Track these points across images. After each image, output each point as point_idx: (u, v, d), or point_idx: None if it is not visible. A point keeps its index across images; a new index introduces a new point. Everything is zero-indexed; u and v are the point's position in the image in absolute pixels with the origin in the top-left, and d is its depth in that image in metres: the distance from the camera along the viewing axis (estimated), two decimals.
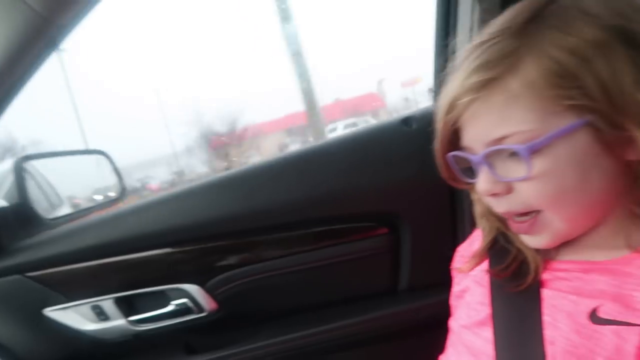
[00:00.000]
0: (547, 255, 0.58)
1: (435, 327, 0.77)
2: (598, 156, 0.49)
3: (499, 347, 0.56)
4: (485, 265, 0.64)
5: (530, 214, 0.53)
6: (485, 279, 0.63)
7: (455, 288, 0.71)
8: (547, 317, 0.53)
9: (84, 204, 1.72)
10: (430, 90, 1.19)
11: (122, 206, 1.22)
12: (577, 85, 0.47)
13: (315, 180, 1.06)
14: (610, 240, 0.53)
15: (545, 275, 0.56)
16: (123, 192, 1.41)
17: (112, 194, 1.45)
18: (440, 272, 1.01)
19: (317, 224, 1.10)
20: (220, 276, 1.08)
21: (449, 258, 1.04)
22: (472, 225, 1.00)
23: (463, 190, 1.01)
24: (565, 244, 0.57)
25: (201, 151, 20.25)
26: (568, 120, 0.48)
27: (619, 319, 0.47)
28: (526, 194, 0.51)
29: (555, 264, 0.57)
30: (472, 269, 0.66)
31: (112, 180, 1.40)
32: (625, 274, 0.50)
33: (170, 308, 1.08)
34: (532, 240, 0.56)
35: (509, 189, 0.53)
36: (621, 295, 0.49)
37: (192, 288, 1.07)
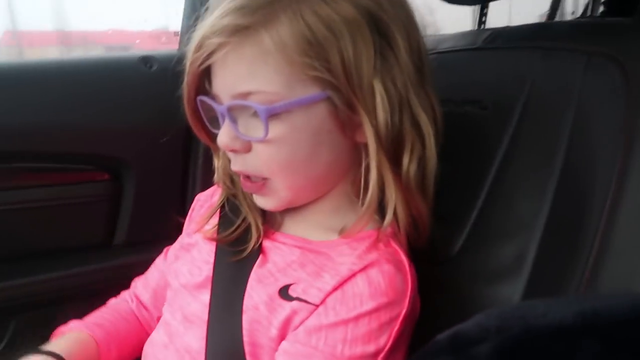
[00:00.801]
0: (271, 225, 0.60)
1: None
2: (331, 132, 0.50)
3: (212, 313, 0.56)
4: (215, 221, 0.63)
5: (262, 178, 0.53)
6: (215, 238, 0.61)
7: (185, 239, 0.68)
8: (249, 287, 0.55)
9: None
10: (176, 33, 1.10)
11: None
12: (323, 58, 0.47)
13: (27, 104, 0.86)
14: (328, 219, 0.57)
15: (266, 243, 0.58)
16: None
17: None
18: (162, 227, 0.97)
19: (21, 158, 0.90)
20: None
21: (173, 214, 1.01)
22: (203, 184, 0.99)
23: (198, 145, 0.99)
24: (289, 218, 0.59)
25: None
26: (311, 91, 0.48)
27: (302, 297, 0.51)
28: (261, 158, 0.51)
29: (276, 235, 0.58)
30: (201, 227, 0.64)
31: None
32: (327, 257, 0.53)
33: None
34: (261, 201, 0.56)
35: (247, 148, 0.52)
36: (315, 275, 0.52)
37: None
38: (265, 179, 0.53)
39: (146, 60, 0.96)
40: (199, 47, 0.49)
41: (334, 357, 0.47)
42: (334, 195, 0.57)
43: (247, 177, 0.54)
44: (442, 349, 0.40)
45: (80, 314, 0.70)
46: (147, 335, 0.72)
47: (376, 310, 0.48)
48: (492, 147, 0.58)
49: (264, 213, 0.61)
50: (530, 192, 0.56)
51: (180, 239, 0.72)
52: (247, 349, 0.52)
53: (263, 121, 0.48)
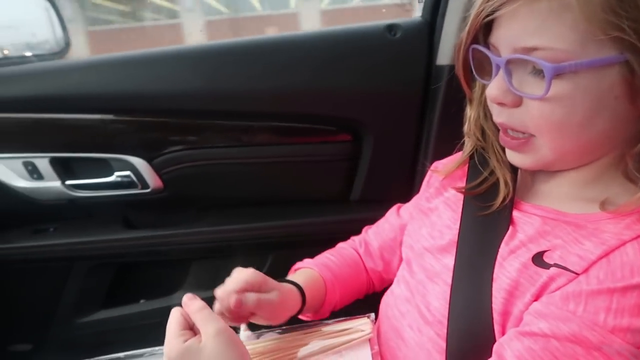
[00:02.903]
0: (521, 195, 0.58)
1: None
2: (618, 99, 0.46)
3: (456, 278, 0.57)
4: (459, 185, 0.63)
5: (524, 134, 0.51)
6: (457, 204, 0.62)
7: (423, 203, 0.70)
8: (499, 256, 0.54)
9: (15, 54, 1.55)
10: (420, 0, 1.11)
11: (66, 60, 1.11)
12: (632, 17, 0.42)
13: (284, 72, 0.99)
14: (586, 190, 0.53)
15: (515, 214, 0.56)
16: (66, 46, 1.27)
17: (52, 47, 1.30)
18: (393, 189, 1.03)
19: (278, 118, 1.05)
20: (170, 155, 1.03)
21: (406, 176, 1.06)
22: (435, 151, 1.01)
23: (433, 114, 1.00)
24: (542, 186, 0.57)
25: None
26: (606, 52, 0.44)
27: (560, 263, 0.48)
28: (531, 114, 0.49)
29: (526, 206, 0.56)
30: (451, 172, 0.66)
31: (51, 31, 1.25)
32: (585, 229, 0.49)
33: (112, 178, 1.02)
34: (515, 157, 0.54)
35: (517, 103, 0.50)
36: (575, 242, 0.49)
37: (138, 162, 1.01)
38: (529, 136, 0.51)
39: (391, 28, 1.00)
40: None
41: (595, 326, 0.43)
42: (597, 164, 0.52)
43: (507, 132, 0.53)
44: None
45: (315, 256, 0.81)
46: (367, 280, 0.80)
47: None
48: None
49: (515, 172, 0.59)
50: None
51: (416, 200, 0.75)
52: (495, 317, 0.52)
53: (547, 79, 0.45)
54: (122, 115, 1.00)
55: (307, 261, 0.79)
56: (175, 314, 0.55)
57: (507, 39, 0.48)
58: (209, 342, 0.51)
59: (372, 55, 1.00)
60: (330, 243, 0.85)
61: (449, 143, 0.70)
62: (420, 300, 0.61)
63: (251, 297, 0.61)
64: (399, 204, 0.82)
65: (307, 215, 1.09)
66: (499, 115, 0.53)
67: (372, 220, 0.85)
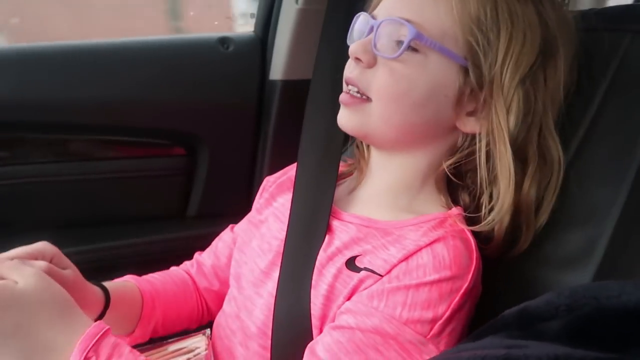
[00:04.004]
0: (339, 205, 0.62)
1: None
2: (446, 97, 0.53)
3: (280, 288, 0.58)
4: (289, 198, 0.65)
5: (363, 96, 0.55)
6: (285, 214, 0.63)
7: (254, 214, 0.71)
8: (318, 263, 0.56)
9: None
10: (252, 15, 1.14)
11: None
12: (487, 37, 0.51)
13: (109, 80, 0.93)
14: (396, 199, 0.58)
15: (334, 222, 0.60)
16: None
17: None
18: (231, 203, 1.02)
19: (104, 132, 0.97)
20: None
21: (243, 189, 1.06)
22: (271, 164, 1.03)
23: (268, 126, 1.02)
24: (357, 198, 0.62)
25: None
26: (457, 50, 0.52)
27: (368, 267, 0.53)
28: (378, 78, 0.54)
29: (343, 215, 0.60)
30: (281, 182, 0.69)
31: None
32: (393, 235, 0.55)
33: None
34: (344, 117, 0.57)
35: (371, 64, 0.55)
36: (381, 247, 0.54)
37: None
38: (366, 99, 0.55)
39: (223, 41, 1.00)
40: None
41: (392, 319, 0.48)
42: (407, 173, 0.58)
43: (349, 91, 0.56)
44: (510, 323, 0.40)
45: None
46: (199, 302, 0.75)
47: (438, 281, 0.49)
48: (570, 131, 0.56)
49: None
50: (607, 179, 0.54)
51: (248, 216, 0.75)
52: (314, 322, 0.54)
53: (405, 42, 0.51)
54: None
55: (128, 276, 0.72)
56: None
57: (388, 9, 0.55)
58: (30, 280, 0.46)
59: (204, 67, 0.99)
60: (168, 262, 0.80)
61: (284, 156, 0.72)
62: (246, 315, 0.61)
63: (40, 264, 0.54)
64: (232, 224, 0.80)
65: (140, 234, 1.01)
66: (351, 71, 0.56)
67: (211, 236, 0.82)
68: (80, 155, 0.97)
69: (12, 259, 0.52)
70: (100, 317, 0.62)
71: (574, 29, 0.56)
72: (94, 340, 0.46)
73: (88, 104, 0.91)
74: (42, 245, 0.58)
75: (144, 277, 0.73)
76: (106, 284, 0.65)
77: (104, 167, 0.99)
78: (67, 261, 0.60)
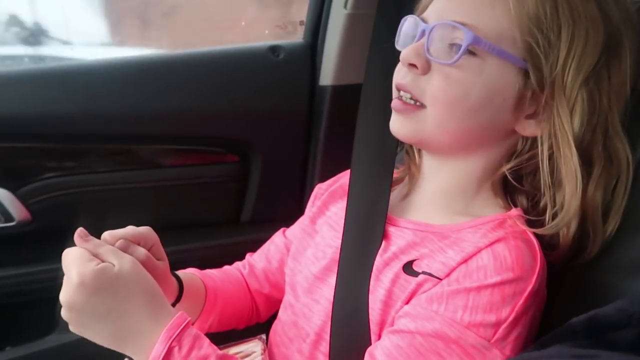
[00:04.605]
0: (394, 212, 0.61)
1: None
2: (505, 101, 0.51)
3: (337, 293, 0.58)
4: (342, 206, 0.65)
5: (417, 102, 0.54)
6: (339, 222, 0.63)
7: (307, 224, 0.70)
8: (375, 269, 0.56)
9: None
10: (301, 22, 1.15)
11: None
12: (547, 37, 0.49)
13: (168, 92, 0.96)
14: (450, 203, 0.57)
15: (390, 229, 0.59)
16: None
17: None
18: (283, 208, 1.03)
19: (162, 141, 1.01)
20: (37, 183, 0.94)
21: (295, 195, 1.07)
22: (322, 171, 1.03)
23: (319, 132, 1.03)
24: (412, 204, 0.61)
25: None
26: (515, 52, 0.50)
27: (426, 270, 0.52)
28: (433, 84, 0.52)
29: (399, 221, 0.59)
30: (333, 190, 0.69)
31: None
32: (449, 239, 0.54)
33: None
34: (396, 123, 0.56)
35: (425, 70, 0.53)
36: (439, 250, 0.53)
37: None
38: (420, 106, 0.53)
39: (274, 49, 1.01)
40: None
41: (454, 322, 0.47)
42: (462, 178, 0.57)
43: (401, 97, 0.55)
44: (577, 332, 0.38)
45: None
46: (251, 303, 0.76)
47: (500, 283, 0.47)
48: (638, 128, 0.53)
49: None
50: None
51: (300, 223, 0.75)
52: (373, 328, 0.54)
53: (463, 47, 0.49)
54: None
55: (189, 269, 0.73)
56: (73, 249, 0.51)
57: (439, 11, 0.53)
58: (126, 266, 0.50)
59: (256, 75, 1.01)
60: (222, 267, 0.82)
61: (335, 161, 0.72)
62: (304, 322, 0.62)
63: (141, 250, 0.57)
64: (284, 228, 0.81)
65: (197, 240, 1.04)
66: (403, 77, 0.55)
67: (264, 241, 0.83)
68: (140, 164, 1.01)
69: (120, 238, 0.56)
70: (172, 305, 0.63)
71: (637, 21, 0.53)
72: (178, 331, 0.49)
73: (147, 115, 0.95)
74: (147, 231, 0.60)
75: (205, 272, 0.74)
76: (181, 274, 0.67)
77: (162, 174, 1.03)
78: (162, 252, 0.62)
